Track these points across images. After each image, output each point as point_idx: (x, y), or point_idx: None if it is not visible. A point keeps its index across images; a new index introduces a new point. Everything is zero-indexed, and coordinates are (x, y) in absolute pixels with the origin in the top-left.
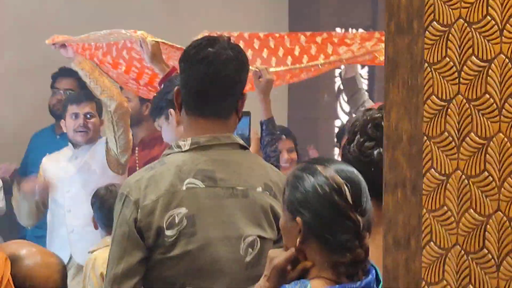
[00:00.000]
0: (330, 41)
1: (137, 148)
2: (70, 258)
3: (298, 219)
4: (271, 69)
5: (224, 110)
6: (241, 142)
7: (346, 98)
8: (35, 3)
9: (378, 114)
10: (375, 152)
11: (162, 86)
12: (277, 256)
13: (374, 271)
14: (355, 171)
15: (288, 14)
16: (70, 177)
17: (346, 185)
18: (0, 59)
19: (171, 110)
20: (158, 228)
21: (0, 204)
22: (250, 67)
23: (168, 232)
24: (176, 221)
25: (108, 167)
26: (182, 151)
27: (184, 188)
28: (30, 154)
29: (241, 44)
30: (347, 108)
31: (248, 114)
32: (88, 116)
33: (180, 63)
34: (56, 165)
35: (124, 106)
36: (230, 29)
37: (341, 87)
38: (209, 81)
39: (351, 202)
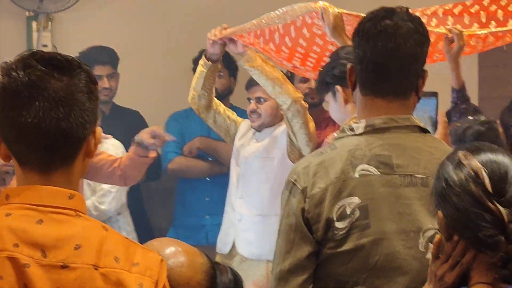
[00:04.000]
0: None
1: None
2: (233, 246)
3: (439, 213)
4: (465, 32)
5: (403, 88)
6: (421, 124)
7: None
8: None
9: None
10: None
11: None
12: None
13: None
14: (507, 157)
15: None
16: (245, 160)
17: (485, 171)
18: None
19: (338, 87)
20: (327, 220)
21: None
22: (440, 30)
23: (338, 224)
24: (348, 212)
25: (288, 157)
26: (355, 135)
27: (356, 175)
28: (190, 132)
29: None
30: None
31: (435, 94)
32: (261, 100)
33: (354, 37)
34: (242, 143)
35: (298, 103)
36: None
37: None
38: (387, 56)
39: (490, 190)
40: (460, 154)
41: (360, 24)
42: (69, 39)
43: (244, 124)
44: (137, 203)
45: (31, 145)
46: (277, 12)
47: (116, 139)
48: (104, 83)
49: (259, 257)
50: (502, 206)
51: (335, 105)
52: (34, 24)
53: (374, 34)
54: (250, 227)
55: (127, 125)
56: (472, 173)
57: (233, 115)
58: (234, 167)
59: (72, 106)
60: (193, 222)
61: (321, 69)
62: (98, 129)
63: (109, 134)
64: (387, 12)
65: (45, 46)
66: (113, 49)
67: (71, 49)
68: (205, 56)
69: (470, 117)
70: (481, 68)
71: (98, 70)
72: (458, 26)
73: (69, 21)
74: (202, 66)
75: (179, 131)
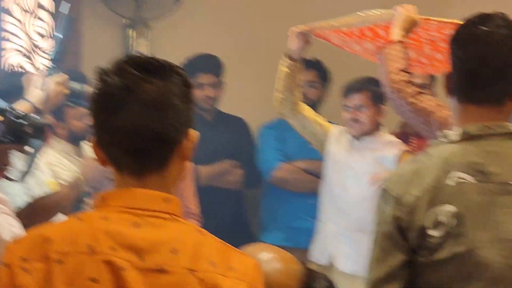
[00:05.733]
0: None
1: (411, 137)
2: (332, 259)
3: None
4: None
5: (497, 96)
6: None
7: None
8: None
9: None
10: None
11: None
12: None
13: None
14: None
15: None
16: (350, 174)
17: None
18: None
19: None
20: (421, 228)
21: None
22: None
23: (433, 232)
24: (442, 220)
25: None
26: (450, 142)
27: (451, 183)
28: (287, 141)
29: None
30: None
31: None
32: (361, 108)
33: (450, 44)
34: (337, 150)
35: None
36: None
37: None
38: (480, 63)
39: None
40: None
41: (455, 31)
42: (166, 46)
43: (335, 130)
44: (239, 210)
45: (124, 148)
46: (362, 13)
47: (220, 145)
48: (205, 92)
49: (356, 272)
50: None
51: None
52: (130, 32)
53: (467, 40)
54: (348, 242)
55: (230, 131)
56: None
57: (319, 118)
58: (333, 176)
59: (165, 109)
60: (296, 225)
61: None
62: (194, 132)
63: (213, 140)
64: (481, 18)
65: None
66: (217, 58)
67: (169, 56)
68: (286, 55)
69: None
70: None
71: (201, 79)
72: None
73: (166, 28)
74: (282, 65)
75: (277, 138)
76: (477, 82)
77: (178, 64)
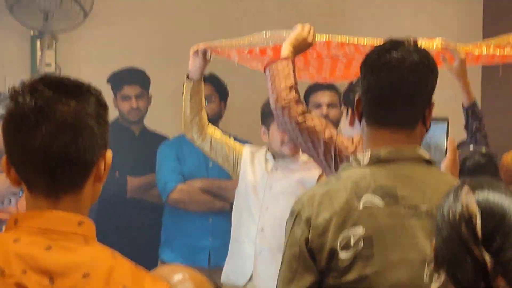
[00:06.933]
0: None
1: None
2: (250, 279)
3: (433, 242)
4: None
5: (408, 119)
6: (427, 156)
7: None
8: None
9: None
10: None
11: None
12: None
13: None
14: (508, 199)
15: (483, 20)
16: (271, 194)
17: (480, 215)
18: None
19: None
20: (331, 250)
21: None
22: (432, 46)
23: (342, 255)
24: (352, 242)
25: None
26: (360, 166)
27: (361, 206)
28: (185, 159)
29: None
30: None
31: (445, 120)
32: None
33: (361, 68)
34: (253, 170)
35: None
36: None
37: None
38: (392, 88)
39: (479, 236)
40: (464, 188)
41: (367, 56)
42: (73, 58)
43: (247, 150)
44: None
45: (38, 170)
46: (264, 34)
47: (145, 160)
48: (132, 103)
49: None
50: (490, 254)
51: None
52: (38, 43)
53: (378, 66)
54: (268, 262)
55: (156, 148)
56: (466, 215)
57: (230, 140)
58: (251, 197)
59: (80, 131)
60: (194, 243)
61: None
62: (109, 153)
63: (138, 155)
64: (393, 45)
65: (48, 65)
66: (142, 70)
67: (75, 68)
68: (187, 76)
69: (471, 146)
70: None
71: (126, 90)
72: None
73: (73, 40)
74: (185, 88)
75: (175, 157)
76: (388, 106)
77: (92, 82)
